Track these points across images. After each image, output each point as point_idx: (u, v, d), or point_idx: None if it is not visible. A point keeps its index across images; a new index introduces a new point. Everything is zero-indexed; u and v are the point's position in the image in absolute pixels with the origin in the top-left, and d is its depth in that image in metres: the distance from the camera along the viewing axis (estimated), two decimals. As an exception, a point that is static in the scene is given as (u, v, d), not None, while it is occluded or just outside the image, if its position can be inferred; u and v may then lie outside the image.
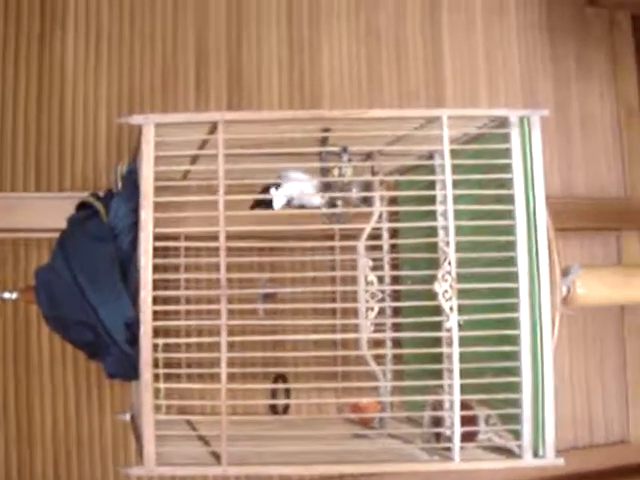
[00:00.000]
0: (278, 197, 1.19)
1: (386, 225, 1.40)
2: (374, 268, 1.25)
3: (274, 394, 1.42)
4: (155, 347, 1.00)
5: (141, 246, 1.00)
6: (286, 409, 1.42)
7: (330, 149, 1.15)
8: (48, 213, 1.51)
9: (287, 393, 1.42)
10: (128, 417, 1.38)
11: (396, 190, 1.51)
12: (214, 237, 1.03)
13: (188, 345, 1.27)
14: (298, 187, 1.21)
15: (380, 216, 1.28)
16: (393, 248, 1.46)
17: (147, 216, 1.00)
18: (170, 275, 1.05)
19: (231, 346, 1.03)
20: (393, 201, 1.49)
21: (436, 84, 1.88)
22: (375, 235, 1.38)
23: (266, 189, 1.19)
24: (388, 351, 1.36)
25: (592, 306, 1.58)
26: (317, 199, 1.20)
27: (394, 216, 1.46)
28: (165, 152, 1.06)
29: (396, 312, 1.40)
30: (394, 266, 1.45)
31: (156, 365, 1.01)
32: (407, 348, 1.37)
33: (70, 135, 1.61)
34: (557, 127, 1.94)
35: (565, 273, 1.38)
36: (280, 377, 1.43)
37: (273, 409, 1.41)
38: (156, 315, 1.02)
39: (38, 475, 1.54)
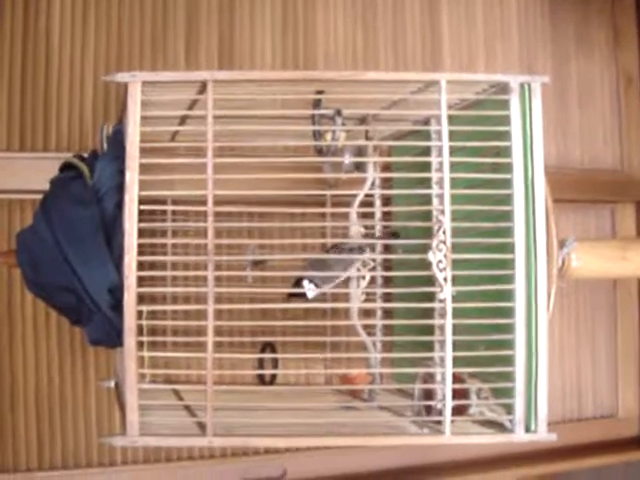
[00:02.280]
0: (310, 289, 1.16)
1: (379, 192, 1.37)
2: (366, 236, 1.23)
3: (261, 363, 1.39)
4: (139, 314, 0.96)
5: (126, 209, 0.96)
6: (273, 378, 1.40)
7: (323, 111, 1.11)
8: (32, 174, 1.46)
9: (275, 362, 1.40)
10: (112, 384, 1.35)
11: (389, 156, 1.47)
12: (202, 201, 1.00)
13: (175, 312, 1.23)
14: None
15: (373, 183, 1.25)
16: (386, 216, 1.43)
17: (132, 178, 0.96)
18: (155, 240, 1.02)
19: (218, 314, 1.01)
20: (386, 168, 1.46)
21: (433, 54, 1.83)
22: (367, 202, 1.36)
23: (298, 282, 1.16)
24: (378, 322, 1.33)
25: (587, 279, 1.56)
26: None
27: (387, 183, 1.43)
28: (152, 112, 1.02)
29: (387, 282, 1.38)
30: (386, 234, 1.42)
31: (140, 332, 0.97)
32: (398, 319, 1.35)
33: (56, 94, 1.55)
34: (555, 96, 1.91)
35: (560, 245, 1.36)
36: (268, 345, 1.40)
37: (260, 378, 1.39)
38: (141, 281, 0.98)
39: (21, 442, 1.51)
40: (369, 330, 1.24)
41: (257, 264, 1.30)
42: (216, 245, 0.99)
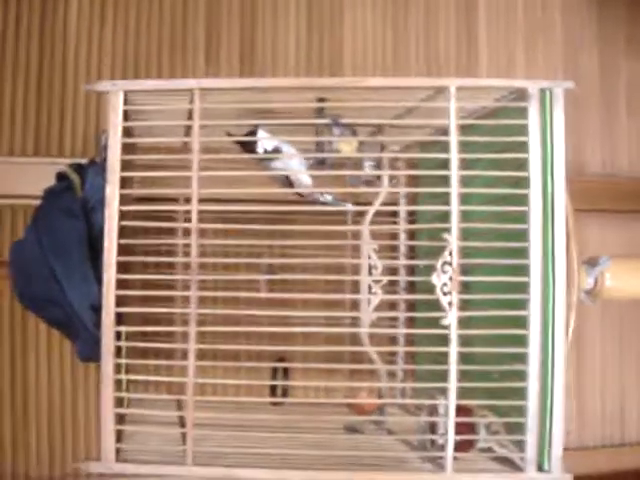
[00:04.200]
0: (265, 141, 1.06)
1: (390, 208, 1.29)
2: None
3: (274, 376, 1.34)
4: (118, 335, 0.91)
5: (105, 225, 0.90)
6: (286, 391, 1.35)
7: (319, 121, 1.03)
8: (46, 179, 1.42)
9: (285, 375, 1.34)
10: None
11: (416, 168, 1.39)
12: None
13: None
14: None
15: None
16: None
17: (112, 192, 0.91)
18: (134, 258, 0.95)
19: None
20: (414, 179, 1.38)
21: (469, 57, 1.73)
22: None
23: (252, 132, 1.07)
24: (381, 348, 1.24)
25: (622, 299, 1.45)
26: (306, 178, 1.09)
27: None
28: (138, 122, 0.97)
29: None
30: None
31: (120, 354, 0.92)
32: (419, 345, 1.26)
33: (72, 99, 1.53)
34: (601, 102, 1.78)
35: (593, 264, 1.26)
36: (281, 362, 1.34)
37: (272, 392, 1.33)
38: (126, 299, 0.93)
39: (32, 454, 1.49)
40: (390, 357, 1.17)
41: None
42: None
